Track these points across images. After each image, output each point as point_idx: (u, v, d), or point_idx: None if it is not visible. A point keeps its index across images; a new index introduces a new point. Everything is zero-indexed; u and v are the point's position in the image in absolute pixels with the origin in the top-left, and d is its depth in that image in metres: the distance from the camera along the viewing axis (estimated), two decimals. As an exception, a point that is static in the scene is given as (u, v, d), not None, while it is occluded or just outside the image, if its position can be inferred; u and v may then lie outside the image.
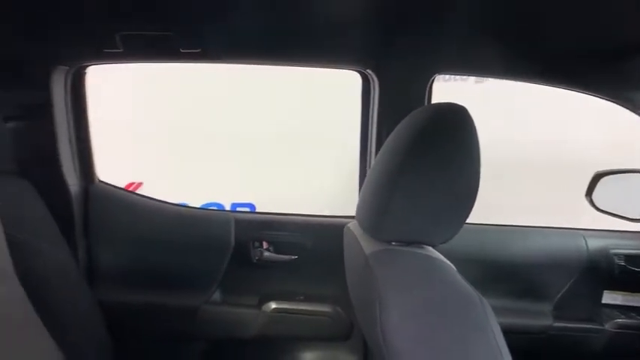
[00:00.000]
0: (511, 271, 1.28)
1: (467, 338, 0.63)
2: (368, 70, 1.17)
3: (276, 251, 1.31)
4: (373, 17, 1.06)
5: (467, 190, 0.70)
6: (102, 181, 1.32)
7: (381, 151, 0.79)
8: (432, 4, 0.95)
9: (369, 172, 0.84)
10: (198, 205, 1.48)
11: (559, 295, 1.30)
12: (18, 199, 1.08)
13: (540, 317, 1.28)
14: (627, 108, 1.19)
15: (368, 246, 0.75)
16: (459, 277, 0.67)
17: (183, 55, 1.09)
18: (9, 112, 1.16)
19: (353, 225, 0.91)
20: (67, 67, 1.16)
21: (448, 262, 0.72)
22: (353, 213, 0.86)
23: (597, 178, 1.21)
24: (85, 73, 1.22)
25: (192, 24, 1.03)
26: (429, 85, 1.12)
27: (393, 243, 0.73)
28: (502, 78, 1.23)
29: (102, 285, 1.25)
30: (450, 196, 0.70)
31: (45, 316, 0.98)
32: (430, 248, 0.74)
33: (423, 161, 0.68)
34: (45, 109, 1.17)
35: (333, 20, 1.05)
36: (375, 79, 1.16)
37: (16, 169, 1.19)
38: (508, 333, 0.66)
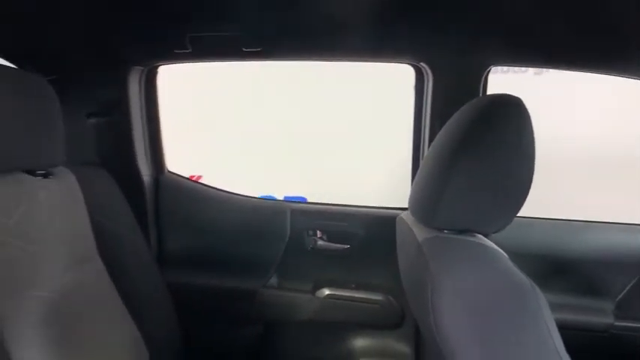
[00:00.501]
0: (571, 267, 1.24)
1: (518, 324, 0.64)
2: (421, 64, 1.19)
3: (330, 240, 1.37)
4: (427, 10, 1.07)
5: (520, 181, 0.71)
6: (171, 172, 1.44)
7: (434, 142, 0.81)
8: None
9: (422, 162, 0.86)
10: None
11: (622, 294, 1.25)
12: (99, 188, 1.20)
13: (601, 315, 1.24)
14: None
15: (420, 233, 0.78)
16: (511, 265, 0.68)
17: (245, 54, 1.16)
18: (91, 110, 1.29)
19: (405, 215, 0.94)
20: (142, 68, 1.28)
21: (501, 250, 0.73)
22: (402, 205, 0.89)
23: None
24: (157, 72, 1.33)
25: (254, 25, 1.10)
26: (484, 77, 1.12)
27: (445, 231, 0.75)
28: (563, 69, 1.20)
29: (170, 268, 1.36)
30: (503, 187, 0.71)
31: (122, 294, 1.10)
32: (482, 237, 0.76)
33: (477, 152, 0.70)
34: (122, 106, 1.29)
35: (388, 14, 1.08)
36: (429, 72, 1.18)
37: (97, 160, 1.33)
38: (567, 329, 0.67)
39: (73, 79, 1.19)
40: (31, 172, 0.99)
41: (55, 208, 1.02)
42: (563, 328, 0.65)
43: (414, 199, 0.82)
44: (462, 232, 0.75)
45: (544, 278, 1.21)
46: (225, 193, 1.43)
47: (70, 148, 1.03)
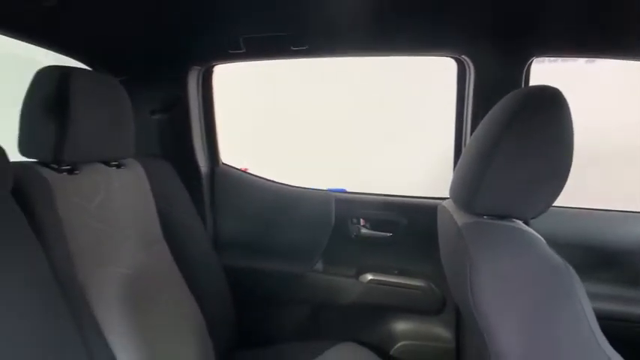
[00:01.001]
0: (612, 258, 1.24)
1: (553, 303, 0.68)
2: (463, 56, 1.22)
3: (373, 228, 1.43)
4: (469, 3, 1.10)
5: (558, 169, 0.74)
6: (224, 164, 1.55)
7: (475, 132, 0.85)
8: None
9: (464, 151, 0.90)
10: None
11: None
12: (162, 178, 1.32)
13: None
14: None
15: (461, 219, 0.83)
16: (547, 248, 0.72)
17: (293, 53, 1.25)
18: (154, 107, 1.42)
19: (446, 202, 0.99)
20: (199, 68, 1.39)
21: (538, 235, 0.77)
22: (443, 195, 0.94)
23: None
24: (213, 72, 1.44)
25: (302, 25, 1.17)
26: (525, 69, 1.14)
27: (485, 217, 0.80)
28: (609, 57, 1.19)
29: (225, 252, 1.47)
30: (541, 175, 0.74)
31: (184, 275, 1.21)
32: (520, 222, 0.80)
33: (517, 141, 0.74)
34: (182, 103, 1.41)
35: (430, 9, 1.12)
36: (471, 64, 1.21)
37: (160, 152, 1.46)
38: (607, 319, 0.70)
39: (139, 79, 1.32)
40: (107, 163, 1.12)
41: (127, 195, 1.15)
42: (601, 318, 0.68)
43: (456, 185, 0.87)
44: (501, 217, 0.79)
45: (585, 268, 1.22)
46: (274, 184, 1.52)
47: (137, 141, 1.15)
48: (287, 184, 1.52)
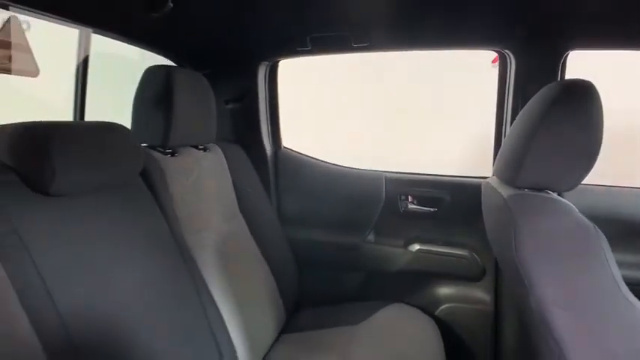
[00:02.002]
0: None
1: (582, 257, 0.84)
2: (505, 50, 1.36)
3: (419, 204, 1.61)
4: (512, 1, 1.23)
5: (588, 151, 0.89)
6: (286, 147, 1.75)
7: (517, 120, 1.01)
8: None
9: (507, 135, 1.06)
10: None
11: None
12: (236, 160, 1.52)
13: None
14: None
15: (505, 192, 0.99)
16: (578, 213, 0.88)
17: (354, 49, 1.42)
18: (228, 97, 1.62)
19: (490, 179, 1.15)
20: (268, 63, 1.59)
21: (570, 203, 0.92)
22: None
23: None
24: (278, 66, 1.64)
25: (362, 25, 1.34)
26: (562, 62, 1.27)
27: (526, 190, 0.96)
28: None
29: (288, 225, 1.67)
30: (573, 156, 0.90)
31: (258, 245, 1.42)
32: (555, 194, 0.95)
33: (553, 128, 0.89)
34: (251, 94, 1.61)
35: (477, 6, 1.25)
36: (512, 57, 1.35)
37: (233, 138, 1.67)
38: (636, 285, 0.84)
39: (217, 73, 1.52)
40: (196, 147, 1.34)
41: (213, 174, 1.37)
42: (630, 284, 0.83)
43: (500, 165, 1.03)
44: (539, 190, 0.95)
45: (618, 239, 1.34)
46: (330, 165, 1.72)
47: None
48: (341, 165, 1.71)
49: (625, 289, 0.84)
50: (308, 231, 1.70)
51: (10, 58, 0.98)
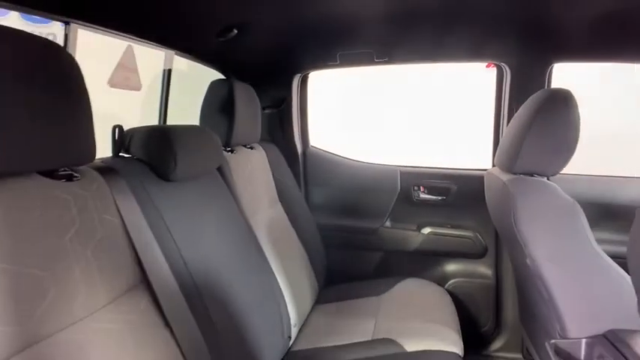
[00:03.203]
0: (615, 212, 1.63)
1: (565, 226, 1.11)
2: (502, 63, 1.65)
3: (430, 193, 1.88)
4: (509, 23, 1.50)
5: (568, 144, 1.16)
6: (313, 146, 2.02)
7: (513, 120, 1.29)
8: (555, 9, 1.36)
9: (505, 133, 1.33)
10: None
11: None
12: (274, 157, 1.78)
13: None
14: None
15: (504, 177, 1.26)
16: (562, 191, 1.15)
17: (375, 63, 1.69)
18: (265, 104, 1.89)
19: (491, 169, 1.43)
20: (300, 74, 1.86)
21: (555, 184, 1.20)
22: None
23: None
24: (308, 77, 1.91)
25: (383, 44, 1.62)
26: (548, 73, 1.55)
27: (521, 175, 1.23)
28: (618, 62, 1.59)
29: (316, 212, 1.94)
30: (557, 147, 1.17)
31: (295, 229, 1.68)
32: (544, 178, 1.23)
33: (541, 127, 1.16)
34: (285, 101, 1.88)
35: (479, 26, 1.52)
36: (508, 70, 1.63)
37: (268, 138, 1.93)
38: (617, 258, 1.10)
39: (258, 83, 1.78)
40: (244, 146, 1.60)
41: (259, 168, 1.63)
42: (615, 257, 1.08)
43: (500, 156, 1.31)
44: (531, 175, 1.23)
45: (600, 220, 1.60)
46: (351, 161, 1.99)
47: None
48: (362, 161, 1.98)
49: (598, 248, 1.11)
50: (333, 218, 1.96)
51: (127, 77, 1.23)
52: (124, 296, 0.81)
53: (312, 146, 2.02)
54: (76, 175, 0.79)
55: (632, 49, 1.46)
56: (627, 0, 1.14)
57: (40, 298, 0.65)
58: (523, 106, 1.26)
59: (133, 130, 1.03)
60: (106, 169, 0.88)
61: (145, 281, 0.87)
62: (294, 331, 1.43)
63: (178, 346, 0.87)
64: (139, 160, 1.01)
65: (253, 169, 1.58)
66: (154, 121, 1.71)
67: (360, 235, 1.94)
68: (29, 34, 0.68)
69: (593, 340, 1.01)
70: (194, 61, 1.61)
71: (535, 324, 1.32)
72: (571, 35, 1.46)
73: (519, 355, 1.78)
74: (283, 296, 1.38)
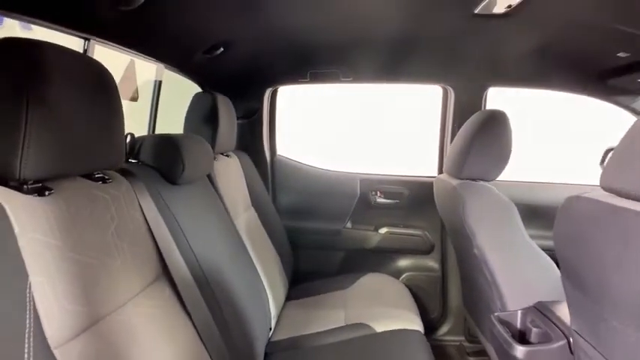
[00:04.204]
0: (541, 212, 1.95)
1: (503, 220, 1.38)
2: (447, 86, 1.93)
3: (386, 198, 2.11)
4: (453, 50, 1.77)
5: (503, 155, 1.44)
6: (279, 155, 2.18)
7: (458, 135, 1.55)
8: (491, 44, 1.64)
9: (451, 145, 1.59)
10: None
11: None
12: (246, 164, 1.92)
13: None
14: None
15: (454, 182, 1.51)
16: (499, 193, 1.42)
17: (341, 81, 1.90)
18: (238, 115, 2.01)
19: (441, 176, 1.68)
20: (272, 88, 2.01)
21: (494, 188, 1.47)
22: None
23: (608, 152, 1.87)
24: (278, 91, 2.07)
25: (349, 65, 1.83)
26: (484, 96, 1.86)
27: (467, 180, 1.49)
28: (543, 89, 1.93)
29: (285, 216, 2.09)
30: (494, 159, 1.44)
31: (267, 230, 1.83)
32: (486, 182, 1.49)
33: (481, 142, 1.43)
34: (257, 112, 2.03)
35: (430, 53, 1.77)
36: (452, 92, 1.91)
37: (242, 147, 2.06)
38: (545, 250, 1.38)
39: (233, 95, 1.90)
40: (223, 154, 1.72)
41: (236, 174, 1.76)
42: (544, 250, 1.36)
43: (449, 163, 1.56)
44: (474, 180, 1.49)
45: (530, 218, 1.91)
46: (315, 168, 2.17)
47: None
48: (325, 169, 2.17)
49: (529, 239, 1.38)
50: (299, 220, 2.13)
51: (129, 89, 1.30)
52: (152, 285, 0.92)
53: (279, 155, 2.18)
54: (107, 177, 0.89)
55: (556, 79, 1.80)
56: (551, 38, 1.44)
57: (95, 284, 0.75)
58: (467, 123, 1.53)
59: (141, 138, 1.14)
60: (127, 173, 0.98)
61: (166, 273, 0.98)
62: (273, 324, 1.57)
63: (195, 328, 0.99)
64: (147, 165, 1.12)
65: (231, 175, 1.70)
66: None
67: (323, 236, 2.12)
68: (77, 52, 0.78)
69: (527, 311, 1.27)
70: (176, 72, 1.71)
71: (479, 304, 1.57)
72: (504, 65, 1.77)
73: (462, 338, 2.05)
74: (265, 291, 1.52)
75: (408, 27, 1.45)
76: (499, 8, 1.18)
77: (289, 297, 1.85)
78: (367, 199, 2.12)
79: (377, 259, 2.12)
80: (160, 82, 1.61)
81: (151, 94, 1.63)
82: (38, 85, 0.64)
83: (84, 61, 0.78)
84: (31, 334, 0.56)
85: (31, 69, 0.64)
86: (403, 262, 2.12)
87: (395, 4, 1.26)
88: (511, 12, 1.18)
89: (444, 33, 1.49)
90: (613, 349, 0.80)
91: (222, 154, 1.73)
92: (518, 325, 1.29)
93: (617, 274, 0.70)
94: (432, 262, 2.11)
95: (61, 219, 0.70)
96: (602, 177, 0.77)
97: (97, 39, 1.12)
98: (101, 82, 0.80)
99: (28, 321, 0.57)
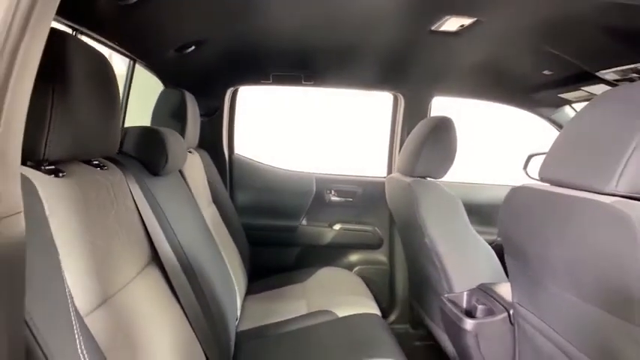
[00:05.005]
0: (478, 209, 2.20)
1: (448, 211, 1.57)
2: (398, 93, 2.11)
3: (340, 196, 2.25)
4: (406, 61, 1.94)
5: (449, 156, 1.63)
6: (237, 153, 2.22)
7: (409, 139, 1.72)
8: (436, 57, 1.84)
9: (404, 146, 1.76)
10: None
11: None
12: (207, 161, 1.95)
13: (493, 234, 2.23)
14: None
15: (407, 180, 1.68)
16: (445, 189, 1.61)
17: (303, 84, 2.00)
18: (202, 112, 2.03)
19: (393, 175, 1.85)
20: (234, 88, 2.06)
21: (441, 184, 1.65)
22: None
23: (530, 157, 2.15)
24: (238, 90, 2.12)
25: (310, 70, 1.94)
26: (430, 104, 2.07)
27: (419, 178, 1.66)
28: (481, 99, 2.17)
29: (242, 213, 2.13)
30: (443, 159, 1.63)
31: (227, 227, 1.87)
32: (435, 180, 1.68)
33: (430, 144, 1.61)
34: (218, 111, 2.06)
35: (384, 62, 1.93)
36: (402, 99, 2.10)
37: (201, 145, 2.08)
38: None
39: (196, 93, 1.93)
40: (188, 150, 1.75)
41: (199, 170, 1.79)
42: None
43: (402, 163, 1.72)
44: (424, 177, 1.67)
45: (471, 214, 2.13)
46: (273, 167, 2.25)
47: None
48: (282, 168, 2.26)
49: (473, 229, 1.58)
50: (257, 218, 2.19)
51: None
52: (146, 268, 0.96)
53: (237, 153, 2.22)
54: (104, 165, 0.92)
55: (492, 91, 2.06)
56: (492, 55, 1.66)
57: (105, 263, 0.79)
58: (418, 127, 1.71)
59: (123, 130, 1.15)
60: (116, 162, 1.01)
61: (156, 259, 1.02)
62: (238, 315, 1.62)
63: (183, 309, 1.04)
64: (130, 156, 1.14)
65: (195, 171, 1.73)
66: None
67: (280, 232, 2.20)
68: (87, 44, 0.82)
69: (471, 291, 1.46)
70: (143, 67, 1.71)
71: (427, 290, 1.75)
72: (450, 77, 1.99)
73: (408, 325, 2.23)
74: (233, 282, 1.57)
75: (368, 38, 1.59)
76: (452, 27, 1.35)
77: (249, 292, 1.91)
78: (322, 198, 2.24)
79: (331, 253, 2.24)
80: (132, 77, 1.60)
81: (122, 88, 1.62)
82: (62, 73, 0.68)
83: (94, 52, 0.82)
84: (71, 303, 0.60)
85: (57, 58, 0.67)
86: (355, 257, 2.26)
87: (358, 15, 1.38)
88: (462, 31, 1.37)
89: (400, 46, 1.66)
90: (550, 312, 0.99)
91: (187, 150, 1.75)
92: (465, 305, 1.48)
93: (558, 247, 0.87)
94: (381, 256, 2.27)
95: (74, 200, 0.73)
96: (541, 171, 0.97)
97: (81, 28, 1.13)
98: (106, 73, 0.84)
99: (67, 291, 0.60)
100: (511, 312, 1.23)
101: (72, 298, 0.62)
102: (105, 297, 0.76)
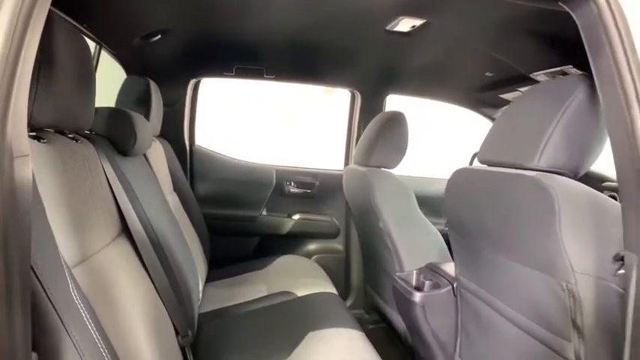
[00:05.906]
0: (426, 201, 2.35)
1: (402, 200, 1.70)
2: (355, 90, 2.24)
3: (299, 187, 2.33)
4: (362, 59, 2.06)
5: (401, 149, 1.77)
6: (197, 145, 2.26)
7: (365, 132, 1.85)
8: (393, 56, 1.97)
9: (360, 139, 1.88)
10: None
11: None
12: (168, 151, 1.97)
13: (442, 224, 2.41)
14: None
15: (363, 169, 1.80)
16: (397, 178, 1.74)
17: (265, 78, 2.08)
18: (164, 102, 2.05)
19: (350, 166, 1.97)
20: (196, 80, 2.10)
21: (395, 174, 1.79)
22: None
23: (475, 155, 2.34)
24: (200, 82, 2.15)
25: (272, 64, 2.02)
26: (385, 101, 2.21)
27: (374, 167, 1.79)
28: (431, 99, 2.34)
29: (203, 203, 2.16)
30: (396, 150, 1.77)
31: (188, 216, 1.91)
32: (388, 170, 1.81)
33: (385, 138, 1.74)
34: (179, 101, 2.09)
35: (342, 59, 2.04)
36: (359, 95, 2.23)
37: (162, 134, 2.09)
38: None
39: (160, 81, 1.94)
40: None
41: (161, 158, 1.82)
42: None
43: (359, 155, 1.85)
44: (379, 167, 1.79)
45: (423, 205, 2.29)
46: (232, 159, 2.30)
47: None
48: (243, 160, 2.31)
49: (422, 215, 1.73)
50: (217, 208, 2.23)
51: None
52: (117, 238, 1.00)
53: (197, 144, 2.25)
54: (78, 139, 0.96)
55: (440, 91, 2.23)
56: (440, 56, 1.80)
57: (82, 227, 0.83)
58: (374, 121, 1.83)
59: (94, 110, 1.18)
60: (88, 138, 1.04)
61: (126, 231, 1.06)
62: (200, 298, 1.66)
63: (151, 279, 1.09)
64: (99, 135, 1.17)
65: (158, 158, 1.76)
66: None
67: (240, 222, 2.26)
68: (68, 24, 0.86)
69: (420, 270, 1.59)
70: (108, 54, 1.71)
71: (380, 273, 1.88)
72: (403, 76, 2.13)
73: (362, 311, 2.35)
74: (195, 266, 1.61)
75: (327, 35, 1.69)
76: (405, 27, 1.49)
77: (209, 279, 1.94)
78: (282, 189, 2.31)
79: (290, 243, 2.32)
80: (97, 63, 1.61)
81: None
82: (49, 49, 0.73)
83: (74, 32, 0.86)
84: (61, 255, 0.65)
85: (45, 35, 0.72)
86: (313, 245, 2.36)
87: (316, 14, 1.48)
88: (414, 32, 1.50)
89: (357, 44, 1.77)
90: (487, 277, 1.13)
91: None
92: (414, 282, 1.61)
93: (492, 216, 1.01)
94: (337, 245, 2.38)
95: (55, 164, 0.78)
96: (479, 155, 1.12)
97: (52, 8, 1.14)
98: (84, 52, 0.89)
99: (58, 241, 0.65)
100: (455, 285, 1.38)
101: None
102: (82, 258, 0.80)
